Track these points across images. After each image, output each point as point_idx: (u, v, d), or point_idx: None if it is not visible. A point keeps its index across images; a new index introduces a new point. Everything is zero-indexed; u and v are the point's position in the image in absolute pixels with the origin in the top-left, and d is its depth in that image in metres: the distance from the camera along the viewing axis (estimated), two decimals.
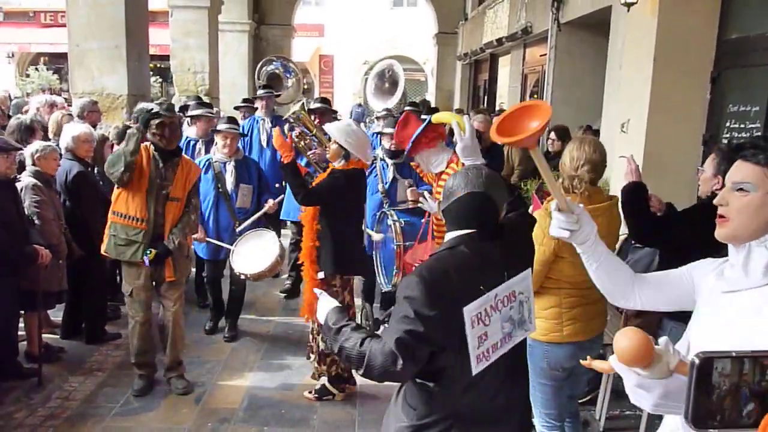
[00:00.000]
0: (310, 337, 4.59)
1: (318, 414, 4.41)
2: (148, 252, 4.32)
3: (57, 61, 21.50)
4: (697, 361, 1.24)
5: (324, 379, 4.55)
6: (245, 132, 7.06)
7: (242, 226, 5.36)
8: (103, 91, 7.57)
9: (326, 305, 2.32)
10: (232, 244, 5.24)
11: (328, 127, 4.42)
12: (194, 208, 4.66)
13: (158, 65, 19.08)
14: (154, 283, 4.54)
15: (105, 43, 7.51)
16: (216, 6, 11.88)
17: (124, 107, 7.48)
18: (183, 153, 4.76)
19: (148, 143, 4.39)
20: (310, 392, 4.57)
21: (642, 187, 3.43)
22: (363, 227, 5.25)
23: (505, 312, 2.19)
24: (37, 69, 21.57)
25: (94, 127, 6.80)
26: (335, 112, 7.83)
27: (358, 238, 4.52)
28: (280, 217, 6.52)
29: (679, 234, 3.30)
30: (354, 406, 4.53)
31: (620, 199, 3.36)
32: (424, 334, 2.02)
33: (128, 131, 4.37)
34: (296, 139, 5.36)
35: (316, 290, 2.49)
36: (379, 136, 6.21)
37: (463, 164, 3.18)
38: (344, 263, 4.32)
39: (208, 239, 5.46)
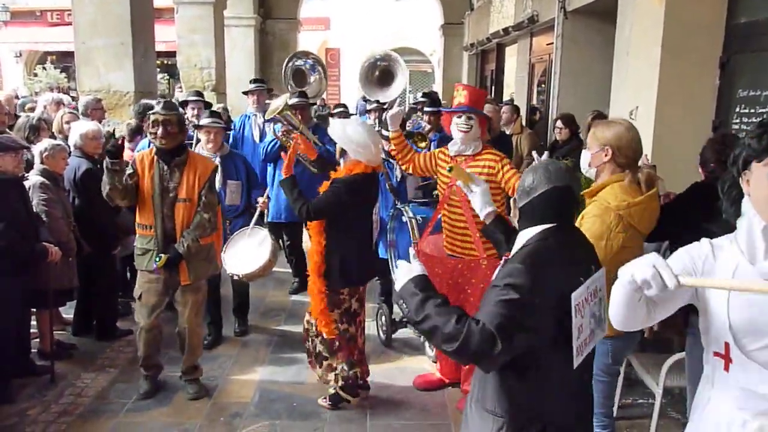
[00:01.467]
0: (308, 341, 4.40)
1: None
2: (158, 258, 4.21)
3: (65, 60, 21.57)
4: None
5: (335, 385, 4.33)
6: (236, 127, 7.01)
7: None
8: (110, 88, 7.58)
9: (408, 271, 2.19)
10: (223, 245, 4.93)
11: (330, 132, 4.16)
12: (209, 206, 4.35)
13: (165, 62, 19.10)
14: (170, 289, 4.41)
15: (111, 40, 7.52)
16: (221, 1, 11.88)
17: (131, 104, 7.49)
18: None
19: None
20: (324, 398, 4.40)
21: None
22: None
23: (591, 307, 2.14)
24: (44, 68, 21.65)
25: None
26: (344, 105, 7.76)
27: (366, 247, 4.34)
28: (269, 219, 6.25)
29: (670, 221, 3.25)
30: (366, 399, 4.52)
31: None
32: (526, 322, 1.98)
33: (104, 164, 4.10)
34: (282, 138, 5.33)
35: (401, 261, 2.28)
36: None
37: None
38: (352, 276, 4.17)
39: None
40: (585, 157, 3.18)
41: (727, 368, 1.83)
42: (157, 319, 4.42)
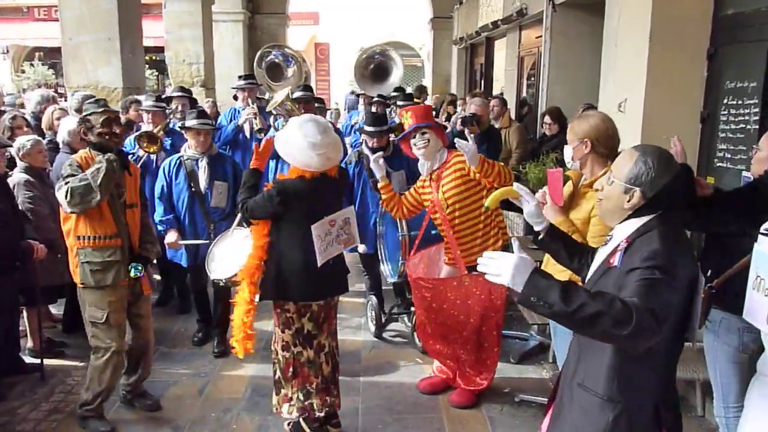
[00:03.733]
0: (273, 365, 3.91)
1: None
2: (137, 267, 3.90)
3: (52, 56, 21.46)
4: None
5: (297, 415, 3.85)
6: (227, 124, 6.98)
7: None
8: (98, 85, 7.54)
9: (523, 265, 1.98)
10: (210, 243, 4.59)
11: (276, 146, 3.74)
12: (145, 207, 4.22)
13: (153, 57, 19.01)
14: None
15: (98, 35, 7.47)
16: None
17: (119, 100, 7.45)
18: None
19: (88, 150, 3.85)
20: (288, 424, 3.99)
21: (687, 169, 3.25)
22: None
23: None
24: (32, 64, 21.54)
25: None
26: (320, 101, 7.68)
27: (311, 261, 3.64)
28: None
29: (719, 218, 3.19)
30: (357, 394, 4.54)
31: None
32: (674, 301, 2.03)
33: (97, 161, 3.71)
34: None
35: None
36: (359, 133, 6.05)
37: None
38: (289, 289, 3.68)
39: (183, 242, 5.02)
40: (567, 151, 3.26)
41: None
42: (124, 338, 4.04)
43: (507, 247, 4.25)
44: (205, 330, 5.40)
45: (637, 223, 2.19)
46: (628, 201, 2.19)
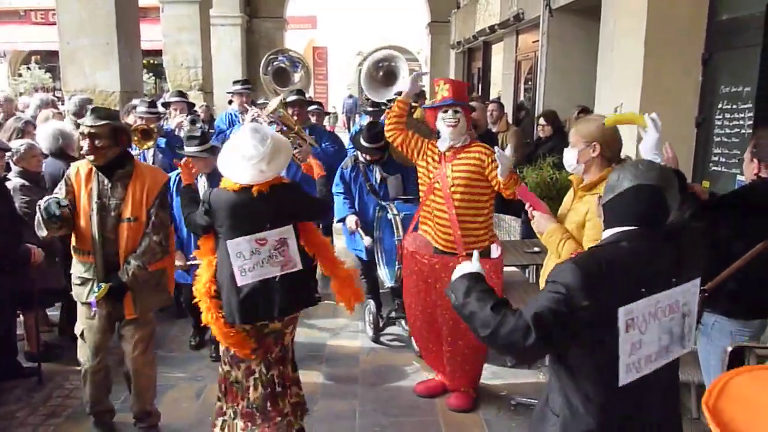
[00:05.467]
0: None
1: (319, 405, 4.43)
2: (97, 289, 3.59)
3: (49, 60, 21.42)
4: (729, 349, 1.28)
5: None
6: (224, 129, 6.97)
7: None
8: (95, 88, 7.55)
9: (468, 267, 2.23)
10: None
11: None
12: (160, 227, 3.72)
13: (151, 61, 19.02)
14: (114, 324, 3.84)
15: (96, 39, 7.49)
16: (207, 0, 11.85)
17: (117, 104, 7.46)
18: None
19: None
20: None
21: (680, 176, 3.13)
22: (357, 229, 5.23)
23: (665, 323, 2.00)
24: (29, 68, 21.51)
25: None
26: (318, 104, 7.70)
27: (235, 280, 3.43)
28: None
29: (714, 222, 3.18)
30: (355, 396, 4.55)
31: None
32: (568, 318, 1.90)
33: (38, 205, 3.55)
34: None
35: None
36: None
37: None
38: (232, 309, 3.47)
39: (190, 263, 4.76)
40: (571, 154, 3.18)
41: None
42: (104, 360, 3.85)
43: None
44: (201, 335, 5.38)
45: (605, 234, 2.13)
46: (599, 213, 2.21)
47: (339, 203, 5.39)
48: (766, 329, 3.31)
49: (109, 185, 3.63)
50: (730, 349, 1.22)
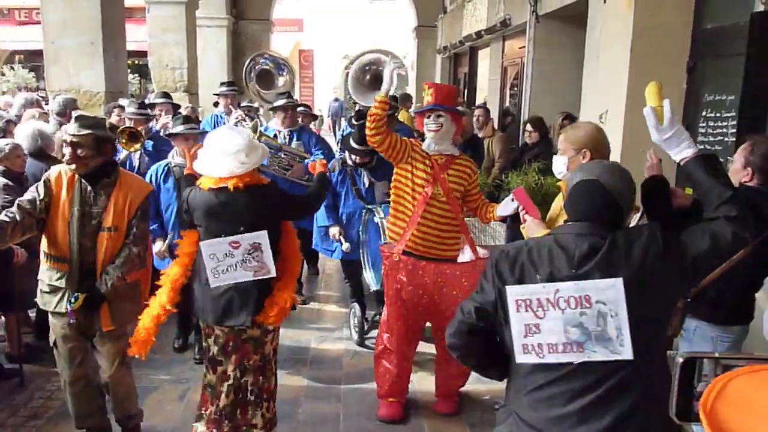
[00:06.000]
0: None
1: (303, 408, 4.42)
2: (73, 299, 3.42)
3: (33, 59, 21.23)
4: (681, 360, 1.28)
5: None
6: (210, 125, 6.95)
7: None
8: (80, 89, 7.51)
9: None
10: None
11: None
12: (140, 239, 3.62)
13: (136, 62, 18.91)
14: (87, 334, 3.67)
15: (81, 39, 7.45)
16: (193, 1, 11.80)
17: (101, 104, 7.42)
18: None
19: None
20: None
21: (663, 181, 3.13)
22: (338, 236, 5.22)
23: (572, 315, 1.99)
24: (12, 68, 21.29)
25: None
26: (306, 106, 7.70)
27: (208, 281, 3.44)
28: None
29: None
30: (339, 400, 4.54)
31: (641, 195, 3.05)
32: (481, 306, 2.15)
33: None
34: (275, 168, 5.23)
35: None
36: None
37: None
38: (194, 305, 3.60)
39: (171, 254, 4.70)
40: (560, 161, 3.19)
41: None
42: (83, 368, 3.66)
43: None
44: (185, 336, 5.34)
45: None
46: None
47: (322, 210, 5.34)
48: (747, 335, 3.34)
49: (92, 193, 3.50)
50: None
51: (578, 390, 2.01)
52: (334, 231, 5.38)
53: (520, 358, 2.05)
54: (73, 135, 3.40)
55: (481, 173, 6.15)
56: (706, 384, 1.26)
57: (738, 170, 3.26)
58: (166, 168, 4.92)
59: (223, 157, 3.30)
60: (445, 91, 4.17)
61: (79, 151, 3.41)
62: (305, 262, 6.79)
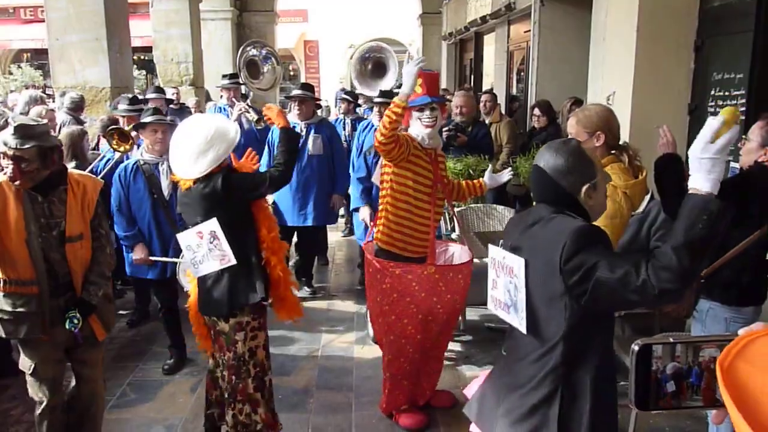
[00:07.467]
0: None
1: (315, 397, 4.43)
2: (76, 320, 3.16)
3: (40, 58, 21.35)
4: (636, 348, 1.26)
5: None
6: None
7: None
8: (85, 85, 7.52)
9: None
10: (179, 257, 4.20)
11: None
12: (107, 237, 3.40)
13: (141, 57, 18.94)
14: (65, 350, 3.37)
15: (85, 36, 7.44)
16: None
17: (107, 100, 7.43)
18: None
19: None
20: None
21: (677, 159, 3.10)
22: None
23: (504, 280, 2.24)
24: (20, 66, 21.38)
25: (81, 122, 6.78)
26: (317, 99, 7.66)
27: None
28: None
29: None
30: (350, 389, 4.54)
31: (654, 173, 3.11)
32: (618, 252, 2.41)
33: None
34: None
35: None
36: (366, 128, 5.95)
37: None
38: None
39: (153, 259, 4.54)
40: None
41: None
42: (62, 388, 3.43)
43: None
44: (177, 356, 4.89)
45: None
46: None
47: (356, 191, 5.29)
48: (759, 316, 3.31)
49: (45, 203, 3.14)
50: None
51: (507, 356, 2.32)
52: (365, 213, 5.21)
53: (489, 304, 2.38)
54: (15, 149, 2.98)
55: (490, 159, 6.11)
56: (676, 365, 1.25)
57: (755, 149, 3.09)
58: (134, 166, 4.53)
59: (176, 160, 3.32)
60: (434, 80, 3.87)
61: (23, 166, 3.01)
62: (315, 255, 6.79)
